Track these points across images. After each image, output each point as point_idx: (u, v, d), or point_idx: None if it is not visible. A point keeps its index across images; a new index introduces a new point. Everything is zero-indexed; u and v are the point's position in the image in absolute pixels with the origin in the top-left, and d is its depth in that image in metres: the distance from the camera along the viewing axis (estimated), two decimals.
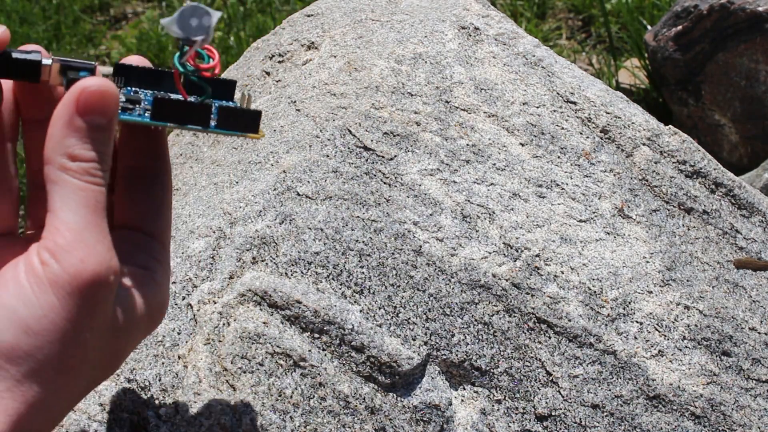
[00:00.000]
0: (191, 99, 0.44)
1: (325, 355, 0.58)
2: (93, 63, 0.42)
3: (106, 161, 0.40)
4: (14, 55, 0.41)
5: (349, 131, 0.67)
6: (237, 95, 0.47)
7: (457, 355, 0.61)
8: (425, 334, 0.61)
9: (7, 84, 0.44)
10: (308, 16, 0.85)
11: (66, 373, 0.39)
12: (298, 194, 0.63)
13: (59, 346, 0.38)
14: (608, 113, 0.73)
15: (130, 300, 0.42)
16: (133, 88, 0.44)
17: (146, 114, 0.43)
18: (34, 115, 0.44)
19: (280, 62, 0.80)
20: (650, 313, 0.66)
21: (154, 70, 0.45)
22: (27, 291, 0.37)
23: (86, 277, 0.37)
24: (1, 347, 0.37)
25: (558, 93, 0.74)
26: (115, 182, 0.46)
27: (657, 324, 0.65)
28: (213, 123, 0.44)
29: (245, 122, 0.45)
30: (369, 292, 0.61)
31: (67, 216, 0.38)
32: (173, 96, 0.44)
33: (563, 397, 0.62)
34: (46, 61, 0.41)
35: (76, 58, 0.42)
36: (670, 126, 0.76)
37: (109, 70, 0.45)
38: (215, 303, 0.59)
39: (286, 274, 0.60)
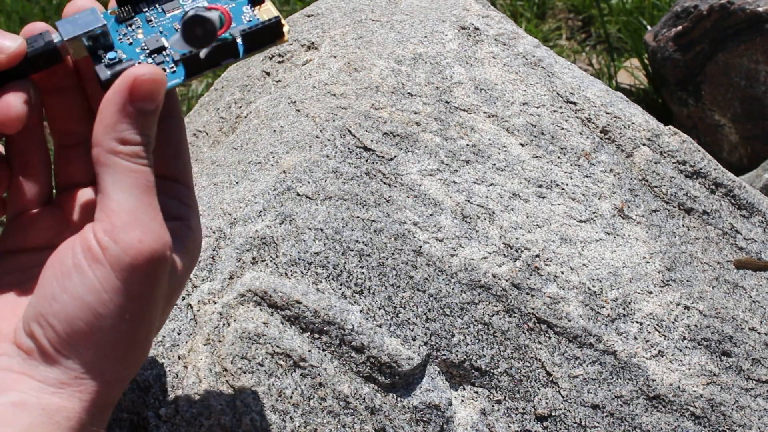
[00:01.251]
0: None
1: (325, 355, 0.58)
2: (101, 25, 0.42)
3: (152, 143, 0.41)
4: (29, 53, 0.42)
5: (349, 131, 0.67)
6: None
7: (457, 356, 0.61)
8: (425, 334, 0.61)
9: None
10: (308, 16, 0.85)
11: (135, 346, 0.41)
12: (298, 194, 0.63)
13: (127, 326, 0.39)
14: (608, 113, 0.73)
15: (177, 259, 0.44)
16: (144, 10, 0.44)
17: (180, 71, 0.43)
18: (51, 84, 0.45)
19: (280, 62, 0.80)
20: (650, 314, 0.66)
21: None
22: (90, 277, 0.39)
23: (146, 256, 0.39)
24: (77, 334, 0.39)
25: (558, 93, 0.74)
26: None
27: (657, 324, 0.65)
28: (241, 49, 0.45)
29: (269, 34, 0.45)
30: (369, 292, 0.61)
31: (121, 197, 0.39)
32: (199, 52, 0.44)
33: (563, 397, 0.62)
34: (58, 40, 0.42)
35: (81, 21, 0.43)
36: (670, 126, 0.76)
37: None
38: (215, 303, 0.59)
39: (286, 274, 0.60)
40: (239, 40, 0.44)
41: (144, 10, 0.45)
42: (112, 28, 0.44)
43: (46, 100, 0.46)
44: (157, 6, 0.45)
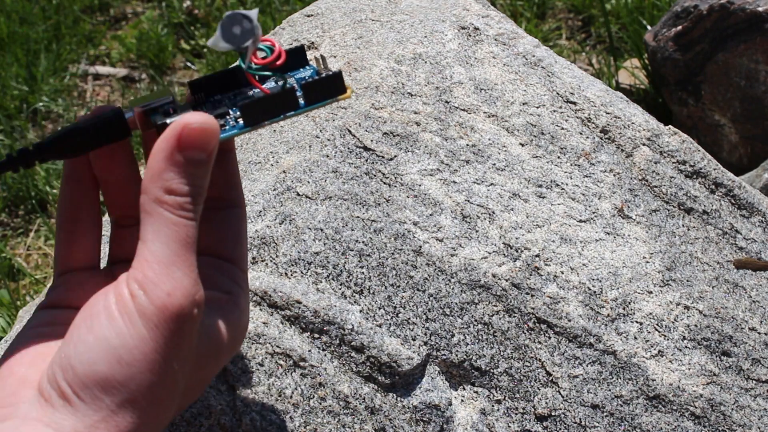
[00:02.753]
0: (272, 89, 0.44)
1: (325, 355, 0.58)
2: (170, 97, 0.42)
3: (201, 195, 0.40)
4: (98, 120, 0.42)
5: (349, 131, 0.67)
6: (309, 57, 0.47)
7: (457, 355, 0.61)
8: (425, 334, 0.61)
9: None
10: (308, 16, 0.85)
11: (157, 403, 0.39)
12: (298, 194, 0.63)
13: (150, 377, 0.38)
14: (608, 113, 0.73)
15: (215, 327, 0.43)
16: (216, 97, 0.45)
17: (239, 122, 0.43)
18: (107, 176, 0.45)
19: None
20: (650, 313, 0.66)
21: (225, 72, 0.45)
22: (118, 322, 0.38)
23: (173, 311, 0.38)
24: (97, 377, 0.38)
25: (558, 93, 0.74)
26: None
27: (657, 324, 0.65)
28: (302, 102, 0.44)
29: (331, 87, 0.44)
30: (369, 292, 0.61)
31: (158, 248, 0.39)
32: (254, 94, 0.44)
33: (563, 397, 0.62)
34: (128, 114, 0.42)
35: (152, 98, 0.43)
36: (670, 126, 0.76)
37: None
38: None
39: (286, 274, 0.60)
40: (299, 92, 0.44)
41: (216, 96, 0.45)
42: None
43: (105, 186, 0.46)
44: (229, 94, 0.45)
